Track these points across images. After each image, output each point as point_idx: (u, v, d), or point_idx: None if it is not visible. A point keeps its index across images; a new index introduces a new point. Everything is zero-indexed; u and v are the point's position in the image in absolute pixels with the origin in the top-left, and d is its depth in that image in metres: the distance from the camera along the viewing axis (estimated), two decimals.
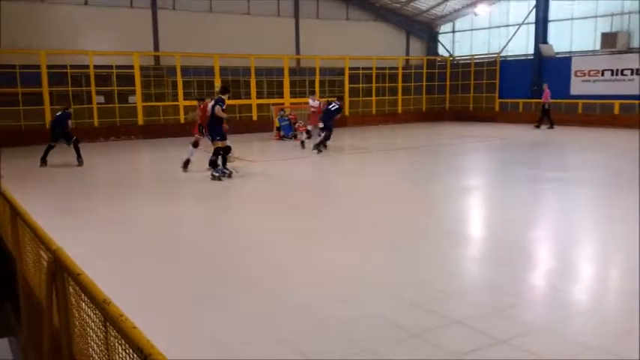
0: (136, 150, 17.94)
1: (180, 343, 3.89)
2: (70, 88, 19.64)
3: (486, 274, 5.63)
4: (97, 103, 20.04)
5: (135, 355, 1.78)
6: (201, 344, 3.98)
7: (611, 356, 3.66)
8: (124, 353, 1.93)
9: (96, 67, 19.69)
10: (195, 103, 13.89)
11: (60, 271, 2.70)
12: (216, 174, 11.15)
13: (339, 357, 3.70)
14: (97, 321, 2.28)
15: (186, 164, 12.29)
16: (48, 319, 2.98)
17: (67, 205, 9.12)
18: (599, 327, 4.20)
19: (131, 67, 20.36)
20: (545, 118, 22.60)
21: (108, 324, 2.10)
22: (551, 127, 22.35)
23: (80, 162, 13.46)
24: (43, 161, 13.46)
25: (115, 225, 7.77)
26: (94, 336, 2.37)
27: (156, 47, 22.96)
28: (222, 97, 11.20)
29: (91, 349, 2.46)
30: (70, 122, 13.92)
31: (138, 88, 20.55)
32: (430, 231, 7.32)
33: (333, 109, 15.33)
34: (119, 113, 20.55)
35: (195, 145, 12.40)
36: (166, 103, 22.01)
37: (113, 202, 9.51)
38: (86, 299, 2.37)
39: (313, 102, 17.38)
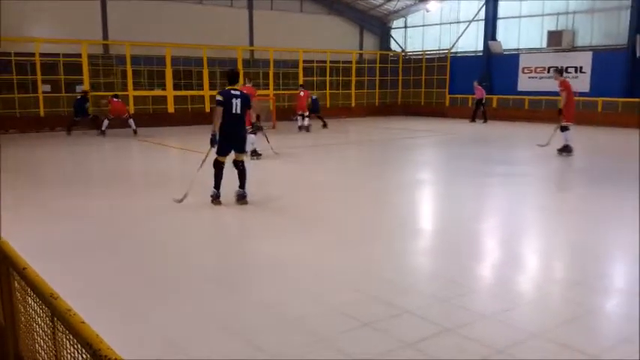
0: (84, 142, 17.46)
1: (131, 340, 3.84)
2: (15, 77, 18.94)
3: (436, 265, 5.76)
4: (43, 92, 19.39)
5: (83, 351, 1.76)
6: (153, 340, 3.93)
7: (554, 343, 3.82)
8: (72, 349, 1.90)
9: (42, 55, 19.04)
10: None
11: (4, 265, 2.62)
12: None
13: (296, 347, 3.73)
14: (44, 316, 2.23)
15: (254, 152, 12.42)
16: None
17: (9, 197, 8.81)
18: (544, 315, 4.36)
19: (79, 55, 19.77)
20: (479, 112, 24.08)
21: (55, 319, 2.06)
22: (474, 121, 23.75)
23: (101, 133, 17.86)
24: (69, 131, 18.10)
25: (63, 218, 7.56)
26: (41, 332, 2.31)
27: (105, 36, 22.37)
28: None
29: (37, 345, 2.40)
30: (86, 105, 18.18)
31: (86, 77, 19.98)
32: (381, 224, 7.42)
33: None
34: (66, 103, 19.94)
35: (255, 133, 12.30)
36: (116, 93, 21.47)
37: (60, 195, 9.24)
38: (32, 294, 2.32)
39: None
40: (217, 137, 7.63)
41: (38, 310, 2.31)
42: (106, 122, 18.16)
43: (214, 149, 7.80)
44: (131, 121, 18.54)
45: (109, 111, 18.48)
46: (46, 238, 6.50)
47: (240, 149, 8.01)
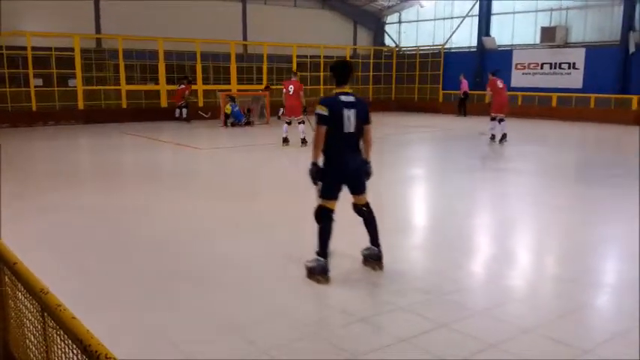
0: (76, 135, 17.39)
1: (123, 336, 3.82)
2: (6, 70, 18.81)
3: (429, 261, 5.77)
4: (35, 86, 19.26)
5: (74, 346, 1.74)
6: (145, 335, 3.92)
7: (546, 338, 3.83)
8: (62, 344, 1.88)
9: (34, 48, 18.91)
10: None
11: None
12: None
13: (285, 342, 3.73)
14: (35, 311, 2.21)
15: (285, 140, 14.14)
16: None
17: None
18: (535, 311, 4.37)
19: (71, 49, 19.64)
20: (460, 107, 24.82)
21: (46, 314, 2.04)
22: (461, 115, 24.49)
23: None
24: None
25: (54, 213, 7.52)
26: (31, 327, 2.30)
27: (98, 29, 22.24)
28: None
29: (28, 341, 2.39)
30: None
31: (78, 71, 19.87)
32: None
33: None
34: (58, 97, 19.83)
35: (290, 122, 14.11)
36: (108, 87, 21.39)
37: (50, 190, 9.19)
38: (23, 289, 2.30)
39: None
40: (319, 171, 4.92)
41: (29, 305, 2.30)
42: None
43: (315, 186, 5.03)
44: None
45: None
46: (37, 232, 6.47)
47: (359, 187, 5.15)
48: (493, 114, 15.30)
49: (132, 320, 4.14)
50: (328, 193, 4.97)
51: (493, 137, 15.32)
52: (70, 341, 1.78)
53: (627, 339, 3.83)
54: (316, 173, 4.91)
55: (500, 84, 15.31)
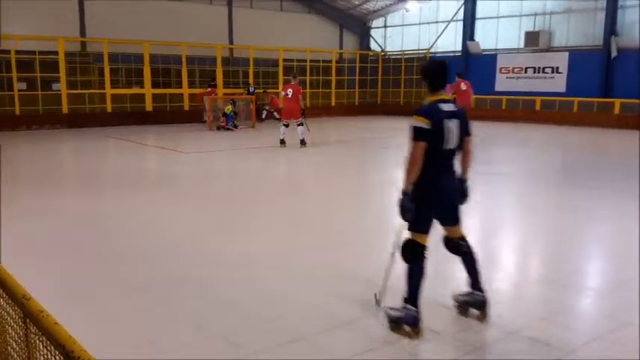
0: (60, 139, 17.24)
1: (107, 341, 3.80)
2: None
3: None
4: (19, 90, 19.08)
5: (57, 352, 1.73)
6: (127, 340, 3.89)
7: (531, 340, 3.86)
8: (45, 350, 1.87)
9: (17, 52, 18.75)
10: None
11: None
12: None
13: (274, 345, 3.73)
14: (17, 317, 2.19)
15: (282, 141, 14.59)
16: None
17: None
18: (519, 314, 4.41)
19: (55, 52, 19.49)
20: None
21: (28, 320, 2.03)
22: None
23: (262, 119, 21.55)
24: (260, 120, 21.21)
25: (35, 218, 7.45)
26: (13, 333, 2.27)
27: (82, 33, 22.09)
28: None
29: (9, 347, 2.36)
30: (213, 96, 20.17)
31: (62, 74, 19.71)
32: (361, 223, 7.44)
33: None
34: (42, 101, 19.66)
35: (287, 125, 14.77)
36: (93, 91, 21.24)
37: (31, 195, 9.11)
38: (4, 295, 2.28)
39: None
40: (410, 200, 3.91)
41: (10, 311, 2.27)
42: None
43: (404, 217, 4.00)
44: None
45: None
46: (17, 237, 6.40)
47: (455, 216, 4.21)
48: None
49: (115, 325, 4.12)
50: (421, 225, 4.01)
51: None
52: (52, 347, 1.77)
53: (608, 340, 3.88)
54: (409, 204, 3.88)
55: (463, 86, 15.64)
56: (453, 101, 4.32)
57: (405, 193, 3.90)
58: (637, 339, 3.86)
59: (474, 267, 4.26)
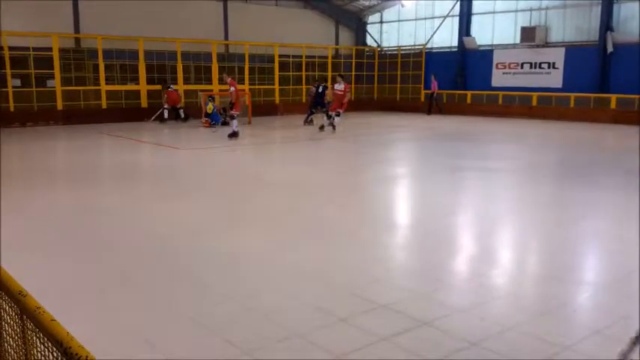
0: (54, 136, 17.17)
1: (101, 336, 3.78)
2: None
3: (412, 260, 5.79)
4: (13, 87, 18.99)
5: (54, 349, 1.72)
6: (124, 337, 3.88)
7: (528, 335, 3.87)
8: (42, 347, 1.86)
9: (11, 48, 18.64)
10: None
11: None
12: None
13: (270, 342, 3.72)
14: (13, 314, 2.18)
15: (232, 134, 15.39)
16: None
17: None
18: (517, 309, 4.41)
19: (50, 49, 19.39)
20: (434, 106, 25.69)
21: (25, 317, 2.02)
22: (429, 113, 25.49)
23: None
24: (308, 122, 19.49)
25: (30, 214, 7.42)
26: (10, 330, 2.26)
27: (76, 29, 21.96)
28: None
29: (6, 344, 2.35)
30: (326, 93, 19.55)
31: (57, 71, 19.61)
32: (358, 219, 7.43)
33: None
34: (37, 97, 19.57)
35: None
36: (87, 88, 21.14)
37: (25, 191, 9.07)
38: (0, 292, 2.26)
39: (339, 86, 18.14)
40: None
41: (7, 308, 2.26)
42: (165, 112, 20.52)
43: None
44: (181, 111, 20.96)
45: (167, 100, 20.67)
46: (13, 233, 6.37)
47: None
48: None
49: (110, 320, 4.10)
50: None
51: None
52: (50, 344, 1.76)
53: (605, 335, 3.88)
54: None
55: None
56: None
57: None
58: (635, 334, 3.84)
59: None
